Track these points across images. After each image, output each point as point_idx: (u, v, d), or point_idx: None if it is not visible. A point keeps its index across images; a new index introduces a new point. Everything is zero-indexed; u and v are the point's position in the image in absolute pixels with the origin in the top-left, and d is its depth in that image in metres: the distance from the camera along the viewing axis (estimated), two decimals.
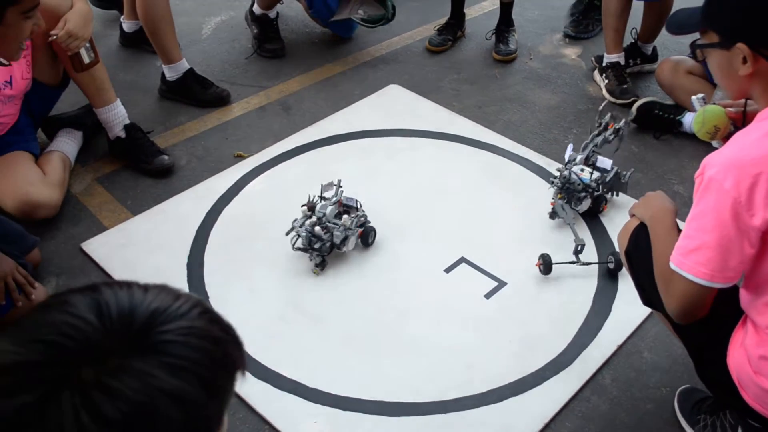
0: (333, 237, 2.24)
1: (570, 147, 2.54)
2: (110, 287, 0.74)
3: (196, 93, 3.05)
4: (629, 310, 2.15)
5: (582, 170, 2.44)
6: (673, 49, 3.37)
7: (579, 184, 2.41)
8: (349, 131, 2.90)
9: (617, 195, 2.54)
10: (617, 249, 1.97)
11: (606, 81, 3.11)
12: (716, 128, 1.66)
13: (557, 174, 2.46)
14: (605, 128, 2.52)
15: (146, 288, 0.76)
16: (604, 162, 2.49)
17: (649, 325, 2.12)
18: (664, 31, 3.22)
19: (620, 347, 2.06)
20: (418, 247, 2.36)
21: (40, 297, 2.01)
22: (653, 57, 3.28)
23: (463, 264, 2.30)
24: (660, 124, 2.89)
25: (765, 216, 1.32)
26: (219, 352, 0.73)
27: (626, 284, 2.22)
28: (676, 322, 1.55)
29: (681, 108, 2.89)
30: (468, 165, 2.74)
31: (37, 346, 0.67)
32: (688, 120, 2.83)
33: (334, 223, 2.26)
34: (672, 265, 1.43)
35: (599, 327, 2.11)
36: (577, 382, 1.96)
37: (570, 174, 2.41)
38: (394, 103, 3.09)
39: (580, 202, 2.42)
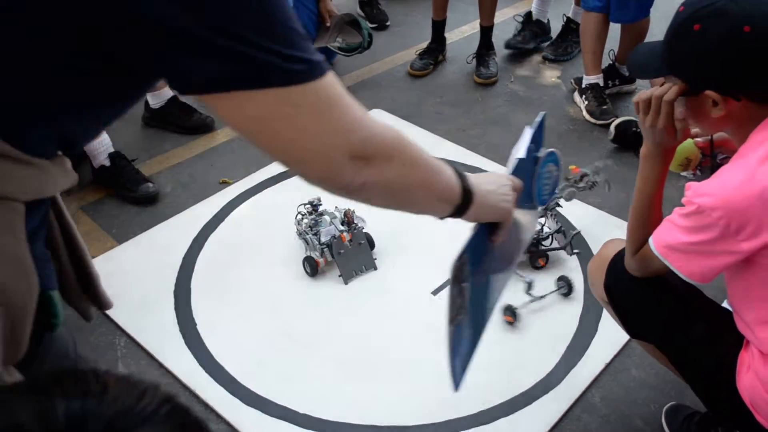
0: (319, 233, 2.34)
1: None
2: (62, 389, 0.61)
3: (180, 120, 3.06)
4: (615, 328, 2.16)
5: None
6: None
7: None
8: None
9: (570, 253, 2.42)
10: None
11: (586, 102, 3.16)
12: (688, 160, 1.70)
13: None
14: (581, 179, 2.43)
15: (105, 385, 0.63)
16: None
17: (635, 343, 2.14)
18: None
19: (608, 365, 2.07)
20: (406, 271, 2.37)
21: None
22: (631, 78, 3.34)
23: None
24: (638, 142, 2.92)
25: (752, 244, 1.30)
26: None
27: None
28: (673, 359, 1.57)
29: None
30: None
31: None
32: None
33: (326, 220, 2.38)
34: (654, 250, 1.43)
35: (587, 345, 2.12)
36: (566, 401, 1.97)
37: None
38: None
39: None
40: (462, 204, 1.04)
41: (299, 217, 2.42)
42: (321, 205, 2.42)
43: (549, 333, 2.16)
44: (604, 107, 3.11)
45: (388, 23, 4.00)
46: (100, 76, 0.80)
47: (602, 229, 2.53)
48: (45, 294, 0.86)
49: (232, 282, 2.33)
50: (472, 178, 1.07)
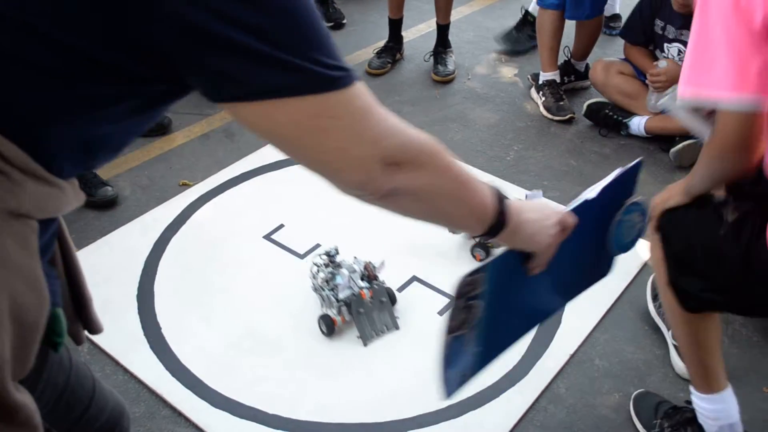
0: (336, 288, 2.13)
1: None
2: None
3: None
4: (578, 319, 2.22)
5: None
6: None
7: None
8: None
9: None
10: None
11: (543, 98, 3.21)
12: None
13: None
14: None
15: None
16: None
17: (598, 333, 2.19)
18: (595, 49, 3.35)
19: (572, 356, 2.11)
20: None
21: None
22: (586, 74, 3.41)
23: (415, 282, 2.33)
24: (608, 123, 3.04)
25: (764, 12, 1.20)
26: None
27: None
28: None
29: (630, 113, 3.04)
30: None
31: None
32: (635, 122, 3.00)
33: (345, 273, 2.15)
34: (688, 99, 1.34)
35: (551, 337, 2.16)
36: (533, 392, 2.00)
37: None
38: None
39: None
40: (495, 225, 1.01)
41: (314, 269, 2.19)
42: (338, 254, 2.21)
43: None
44: (561, 103, 3.16)
45: (344, 21, 4.00)
46: (128, 83, 0.79)
47: None
48: (51, 311, 0.85)
49: (195, 284, 2.31)
50: (515, 203, 1.05)
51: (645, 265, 2.42)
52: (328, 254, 2.20)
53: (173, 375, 2.01)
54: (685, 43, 2.82)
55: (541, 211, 1.09)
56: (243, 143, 3.00)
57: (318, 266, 2.18)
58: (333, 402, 1.95)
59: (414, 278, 2.35)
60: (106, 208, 2.62)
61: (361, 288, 2.13)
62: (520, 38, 3.73)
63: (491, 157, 2.94)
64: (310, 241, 2.48)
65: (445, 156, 0.93)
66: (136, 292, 2.28)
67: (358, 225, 2.54)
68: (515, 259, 1.10)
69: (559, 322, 2.21)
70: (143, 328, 2.16)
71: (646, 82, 2.93)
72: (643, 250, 2.46)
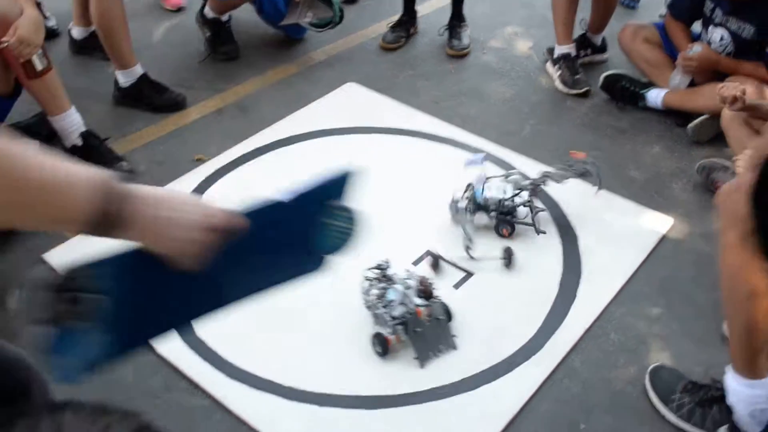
0: (390, 305, 1.99)
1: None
2: (11, 427, 0.61)
3: (151, 98, 3.01)
4: (594, 293, 2.21)
5: (499, 187, 2.37)
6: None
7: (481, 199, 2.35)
8: (307, 131, 2.90)
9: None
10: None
11: (559, 72, 3.17)
12: None
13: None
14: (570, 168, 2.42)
15: (59, 427, 0.64)
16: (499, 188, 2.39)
17: (613, 307, 2.18)
18: (612, 23, 3.31)
19: (588, 330, 2.10)
20: (385, 243, 2.36)
21: None
22: (602, 48, 3.37)
23: (431, 257, 2.33)
24: (624, 95, 3.01)
25: None
26: None
27: (589, 268, 2.28)
28: None
29: (647, 84, 3.00)
30: (428, 159, 2.77)
31: None
32: (653, 95, 2.96)
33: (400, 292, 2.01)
34: None
35: (566, 311, 2.15)
36: (548, 366, 2.00)
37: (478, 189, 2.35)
38: (351, 101, 3.10)
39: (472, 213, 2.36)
40: (99, 225, 0.88)
41: (366, 284, 2.07)
42: (389, 267, 2.09)
43: (529, 300, 2.19)
44: (577, 77, 3.13)
45: None
46: None
47: (582, 197, 2.56)
48: None
49: None
50: (148, 199, 0.90)
51: (662, 239, 2.41)
52: (379, 267, 2.08)
53: (191, 347, 2.02)
54: (728, 30, 2.77)
55: (183, 210, 0.93)
56: (256, 118, 2.99)
57: (370, 281, 2.06)
58: (349, 375, 1.96)
59: (429, 252, 2.34)
60: None
61: (417, 306, 1.99)
62: None
63: (505, 132, 2.92)
64: None
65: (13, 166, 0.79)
66: None
67: (371, 200, 2.52)
68: (149, 256, 0.97)
69: (575, 295, 2.20)
70: None
71: (676, 60, 2.89)
72: (660, 224, 2.45)
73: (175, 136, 2.90)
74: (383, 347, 1.99)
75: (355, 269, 2.26)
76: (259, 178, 2.66)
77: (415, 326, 1.97)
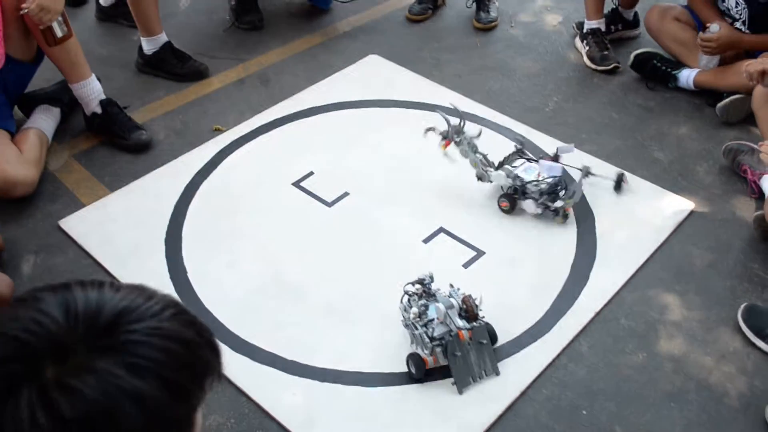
0: (429, 327, 1.86)
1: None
2: (82, 286, 0.72)
3: (173, 67, 3.02)
4: (607, 277, 2.17)
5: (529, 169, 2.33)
6: None
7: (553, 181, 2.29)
8: (327, 103, 2.88)
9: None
10: None
11: (587, 48, 3.09)
12: None
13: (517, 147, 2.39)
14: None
15: (119, 287, 0.74)
16: (553, 168, 2.34)
17: (626, 292, 2.13)
18: None
19: (597, 314, 2.07)
20: (397, 218, 2.35)
21: (2, 289, 2.00)
22: (635, 22, 3.26)
23: (442, 234, 2.30)
24: (655, 75, 2.93)
25: None
26: (187, 355, 0.72)
27: (604, 250, 2.24)
28: None
29: (679, 63, 2.90)
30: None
31: (1, 339, 0.67)
32: (684, 75, 2.87)
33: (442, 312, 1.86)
34: None
35: (576, 295, 2.12)
36: (554, 349, 1.97)
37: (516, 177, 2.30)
38: (373, 74, 3.07)
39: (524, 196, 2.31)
40: None
41: (406, 299, 1.95)
42: (433, 282, 1.95)
43: (539, 282, 2.15)
44: (605, 53, 3.03)
45: None
46: None
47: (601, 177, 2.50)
48: None
49: (223, 230, 2.32)
50: None
51: (681, 224, 2.34)
52: (421, 282, 1.93)
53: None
54: None
55: None
56: (277, 89, 2.98)
57: (410, 296, 1.94)
58: (351, 351, 1.96)
59: (441, 229, 2.32)
60: (139, 152, 2.65)
61: (459, 328, 1.85)
62: None
63: (529, 108, 2.86)
64: (339, 189, 2.46)
65: None
66: (164, 236, 2.31)
67: (387, 175, 2.51)
68: None
69: (587, 279, 2.16)
70: (169, 271, 2.19)
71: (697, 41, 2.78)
72: (681, 208, 2.38)
73: (196, 105, 2.90)
74: (418, 369, 1.85)
75: (366, 242, 2.26)
76: (277, 149, 2.65)
77: (456, 350, 1.83)
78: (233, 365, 1.91)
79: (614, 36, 3.22)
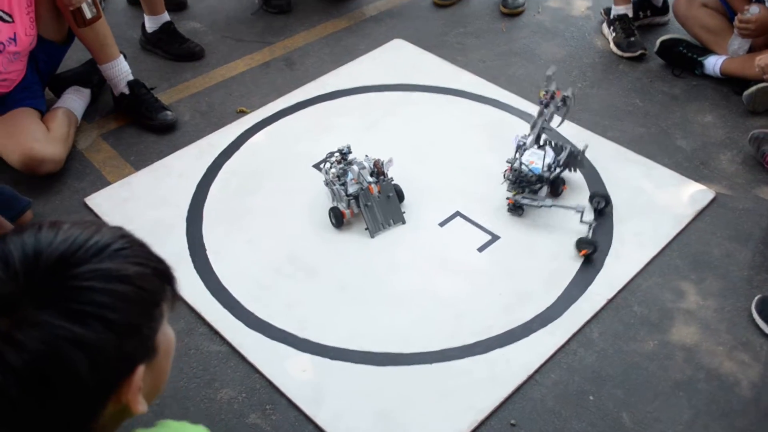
0: (347, 184, 2.25)
1: (516, 137, 2.38)
2: (18, 235, 0.74)
3: (170, 47, 3.08)
4: (621, 264, 2.16)
5: (531, 158, 2.29)
6: None
7: (532, 176, 2.27)
8: (351, 86, 2.90)
9: (575, 171, 2.40)
10: None
11: (613, 34, 3.06)
12: None
13: (507, 166, 2.32)
14: (552, 97, 2.35)
15: (58, 229, 0.75)
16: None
17: (640, 279, 2.12)
18: None
19: (610, 301, 2.06)
20: (415, 201, 2.37)
21: None
22: (664, 9, 3.22)
23: (458, 218, 2.32)
24: (681, 61, 2.91)
25: None
26: (132, 291, 0.74)
27: (620, 238, 2.23)
28: None
29: (705, 50, 2.87)
30: (468, 120, 2.73)
31: None
32: (711, 62, 2.84)
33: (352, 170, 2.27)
34: None
35: (590, 281, 2.11)
36: (564, 334, 1.97)
37: (521, 166, 2.27)
38: (397, 58, 3.08)
39: (536, 192, 2.29)
40: None
41: (327, 165, 2.32)
42: (350, 153, 2.31)
43: (553, 266, 2.15)
44: (632, 39, 3.00)
45: None
46: None
47: (621, 164, 2.49)
48: None
49: (242, 209, 2.37)
50: None
51: (701, 212, 2.32)
52: (340, 152, 2.31)
53: (213, 295, 2.09)
54: None
55: None
56: (302, 72, 3.01)
57: (331, 162, 2.31)
58: (362, 330, 1.99)
59: (457, 213, 2.33)
60: (165, 132, 2.70)
61: (369, 183, 2.25)
62: None
63: None
64: None
65: None
66: (186, 214, 2.36)
67: (406, 159, 2.53)
68: None
69: (602, 265, 2.16)
70: (189, 248, 2.24)
71: (734, 23, 2.74)
72: (701, 196, 2.36)
73: (222, 87, 2.95)
74: (338, 219, 2.26)
75: (383, 235, 2.28)
76: (299, 132, 2.69)
77: (367, 201, 2.24)
78: (247, 342, 1.96)
79: (643, 22, 3.18)
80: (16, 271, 0.70)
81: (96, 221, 0.77)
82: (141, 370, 0.77)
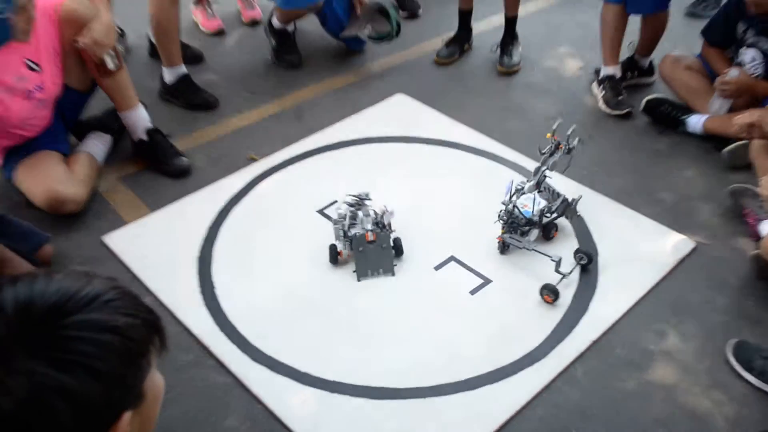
0: (350, 228, 2.42)
1: (511, 181, 2.51)
2: (13, 283, 0.76)
3: (187, 96, 3.27)
4: (606, 307, 2.29)
5: (525, 202, 2.46)
6: None
7: (522, 218, 2.43)
8: (354, 137, 3.08)
9: (570, 219, 2.56)
10: None
11: (603, 92, 3.24)
12: None
13: (502, 207, 2.46)
14: (556, 148, 2.52)
15: (51, 279, 0.77)
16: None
17: (623, 323, 2.25)
18: (660, 46, 3.35)
19: (594, 342, 2.19)
20: (412, 246, 2.51)
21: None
22: (650, 70, 3.41)
23: (453, 262, 2.46)
24: (665, 120, 3.08)
25: None
26: (120, 342, 0.76)
27: (605, 283, 2.37)
28: None
29: (688, 109, 3.05)
30: (464, 170, 2.90)
31: None
32: (693, 120, 3.01)
33: (360, 220, 2.44)
34: None
35: (575, 323, 2.24)
36: (550, 373, 2.09)
37: (513, 209, 2.43)
38: (398, 111, 3.27)
39: (526, 234, 2.46)
40: None
41: (341, 204, 2.52)
42: (369, 200, 2.50)
43: (541, 309, 2.29)
44: (620, 98, 3.19)
45: (420, 11, 4.13)
46: None
47: (608, 214, 2.64)
48: None
49: (250, 251, 2.52)
50: None
51: (681, 261, 2.46)
52: (358, 196, 2.48)
53: (221, 330, 2.22)
54: (761, 51, 2.81)
55: None
56: (311, 123, 3.19)
57: (347, 204, 2.47)
58: (360, 366, 2.11)
59: (452, 258, 2.47)
60: (180, 177, 2.87)
61: (366, 230, 2.40)
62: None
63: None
64: None
65: None
66: (197, 254, 2.50)
67: (406, 205, 2.68)
68: None
69: (586, 309, 2.29)
70: (200, 286, 2.38)
71: (714, 84, 2.93)
72: (682, 246, 2.50)
73: (234, 136, 3.13)
74: (333, 256, 2.42)
75: (383, 278, 2.42)
76: (305, 178, 2.85)
77: (360, 246, 2.38)
78: (252, 375, 2.08)
79: (630, 82, 3.38)
80: (9, 319, 0.73)
81: (90, 271, 0.80)
82: (127, 416, 0.78)
